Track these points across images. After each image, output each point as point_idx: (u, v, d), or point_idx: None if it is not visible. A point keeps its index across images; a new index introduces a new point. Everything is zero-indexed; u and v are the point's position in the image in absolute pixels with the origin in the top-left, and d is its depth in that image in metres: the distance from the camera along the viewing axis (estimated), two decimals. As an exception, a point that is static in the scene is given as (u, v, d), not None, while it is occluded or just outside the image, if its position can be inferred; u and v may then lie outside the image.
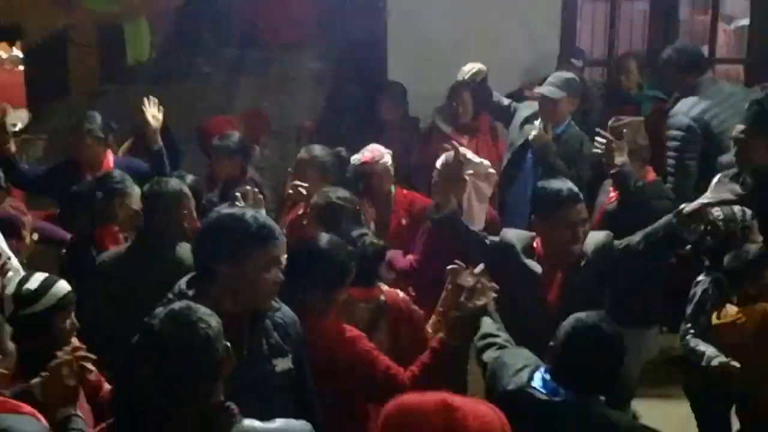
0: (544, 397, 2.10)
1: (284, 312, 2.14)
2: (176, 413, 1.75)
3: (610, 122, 3.48)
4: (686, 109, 3.77)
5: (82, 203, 3.48)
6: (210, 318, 1.74)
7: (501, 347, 2.39)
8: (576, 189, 2.75)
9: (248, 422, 1.75)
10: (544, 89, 4.13)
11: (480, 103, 4.64)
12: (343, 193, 3.04)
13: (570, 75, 4.29)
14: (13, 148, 4.07)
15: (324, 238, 2.49)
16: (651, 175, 3.57)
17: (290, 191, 3.47)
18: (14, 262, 3.18)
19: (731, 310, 2.94)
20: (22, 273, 2.76)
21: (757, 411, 2.98)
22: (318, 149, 3.81)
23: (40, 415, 2.02)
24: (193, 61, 7.83)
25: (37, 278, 2.34)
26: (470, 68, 4.20)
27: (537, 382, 2.15)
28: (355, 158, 3.73)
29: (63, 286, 2.31)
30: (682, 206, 2.59)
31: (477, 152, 4.26)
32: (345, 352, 2.30)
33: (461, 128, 4.70)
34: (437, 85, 4.82)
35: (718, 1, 5.64)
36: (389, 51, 5.48)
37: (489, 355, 2.36)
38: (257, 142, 5.25)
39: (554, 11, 5.34)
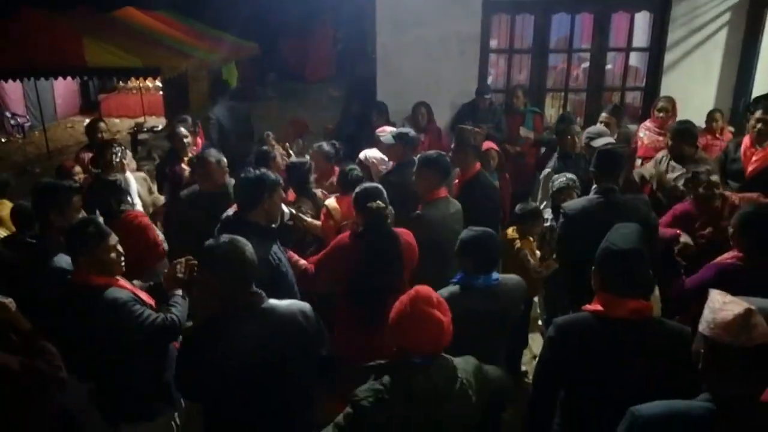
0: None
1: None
2: (233, 299, 2.03)
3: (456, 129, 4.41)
4: None
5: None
6: (247, 244, 2.11)
7: None
8: None
9: (271, 300, 2.10)
10: (384, 137, 4.64)
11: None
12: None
13: (405, 130, 4.67)
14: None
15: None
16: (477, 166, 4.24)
17: None
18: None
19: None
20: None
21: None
22: (324, 145, 4.72)
23: (138, 291, 2.44)
24: (262, 88, 10.26)
25: None
26: None
27: None
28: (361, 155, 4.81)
29: None
30: None
31: (429, 144, 5.74)
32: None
33: (420, 130, 5.78)
34: (405, 103, 6.29)
35: (571, 55, 7.22)
36: (378, 83, 6.69)
37: None
38: (300, 137, 6.79)
39: (475, 61, 6.60)
